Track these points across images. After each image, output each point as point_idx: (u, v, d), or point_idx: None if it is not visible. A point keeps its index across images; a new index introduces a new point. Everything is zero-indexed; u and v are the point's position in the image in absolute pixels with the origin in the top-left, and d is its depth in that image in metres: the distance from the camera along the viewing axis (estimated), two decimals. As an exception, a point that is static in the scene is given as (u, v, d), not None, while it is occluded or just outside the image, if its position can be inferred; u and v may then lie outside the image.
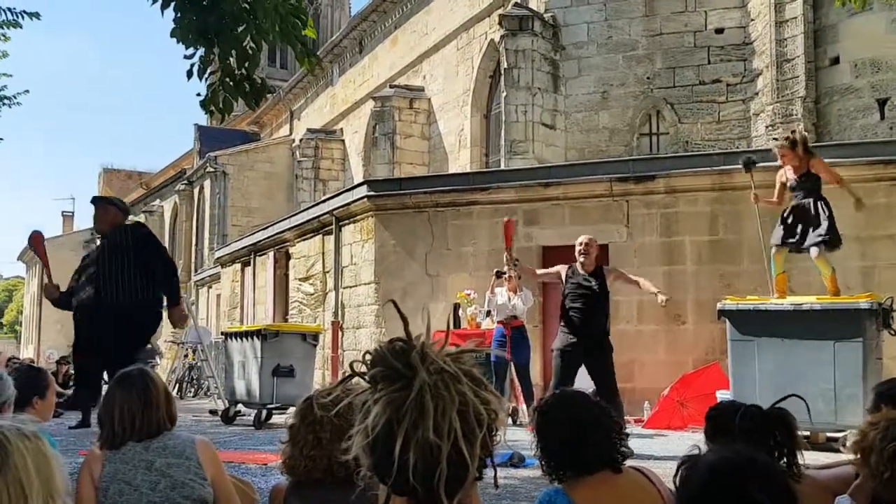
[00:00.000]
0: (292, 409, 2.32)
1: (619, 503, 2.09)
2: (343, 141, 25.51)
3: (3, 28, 10.92)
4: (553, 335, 11.10)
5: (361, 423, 1.21)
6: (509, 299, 9.20)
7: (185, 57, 4.97)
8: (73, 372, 13.92)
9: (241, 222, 26.47)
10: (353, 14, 34.23)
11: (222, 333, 12.90)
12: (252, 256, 17.66)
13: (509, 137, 14.67)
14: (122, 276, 6.34)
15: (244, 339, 10.13)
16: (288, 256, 15.84)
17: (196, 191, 29.82)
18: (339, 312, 13.25)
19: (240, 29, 4.84)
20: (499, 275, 9.42)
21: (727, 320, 7.36)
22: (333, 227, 13.49)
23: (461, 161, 18.59)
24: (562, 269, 7.33)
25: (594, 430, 2.11)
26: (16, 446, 1.44)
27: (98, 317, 6.34)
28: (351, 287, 13.00)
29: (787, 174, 7.28)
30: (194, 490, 2.53)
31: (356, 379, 1.28)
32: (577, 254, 7.15)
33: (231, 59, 4.98)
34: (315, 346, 10.19)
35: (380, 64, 23.00)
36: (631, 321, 10.69)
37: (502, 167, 14.46)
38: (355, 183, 16.15)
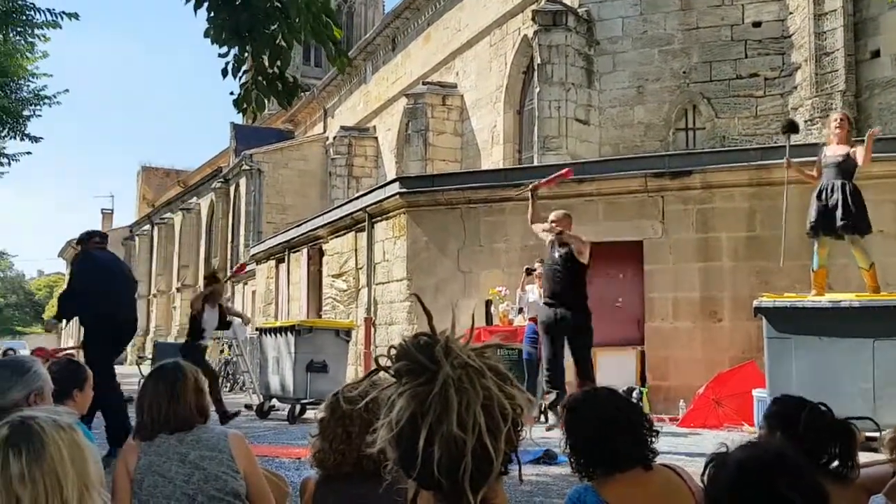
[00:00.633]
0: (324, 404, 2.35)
1: (650, 501, 2.07)
2: (376, 138, 25.60)
3: (42, 29, 11.16)
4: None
5: (386, 416, 1.22)
6: (540, 296, 9.15)
7: (220, 56, 5.03)
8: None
9: (275, 219, 26.72)
10: (386, 12, 34.29)
11: (257, 329, 13.05)
12: (286, 253, 17.82)
13: (542, 133, 14.60)
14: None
15: (278, 334, 10.24)
16: (321, 253, 15.96)
17: (232, 188, 30.17)
18: (372, 309, 13.31)
19: (272, 28, 4.89)
20: (529, 272, 9.37)
21: (763, 318, 7.26)
22: (366, 223, 13.56)
23: (494, 157, 18.54)
24: (546, 237, 7.28)
25: (624, 428, 2.10)
26: (52, 437, 1.48)
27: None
28: (383, 283, 13.05)
29: (827, 152, 7.18)
30: (227, 483, 2.56)
31: (384, 373, 1.29)
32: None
33: (264, 57, 5.02)
34: (348, 342, 10.27)
35: (413, 61, 23.03)
36: (666, 318, 10.60)
37: (535, 163, 14.40)
38: (388, 180, 16.20)
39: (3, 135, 13.44)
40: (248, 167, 27.84)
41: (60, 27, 11.09)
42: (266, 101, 5.33)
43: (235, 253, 28.78)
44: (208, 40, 5.01)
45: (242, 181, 28.48)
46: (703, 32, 14.48)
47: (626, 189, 11.00)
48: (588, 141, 14.84)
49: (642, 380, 10.50)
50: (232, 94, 5.29)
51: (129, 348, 38.95)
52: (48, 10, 10.86)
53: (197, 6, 4.83)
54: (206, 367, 8.76)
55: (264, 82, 5.23)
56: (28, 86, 13.55)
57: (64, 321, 7.28)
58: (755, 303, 7.40)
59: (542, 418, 9.24)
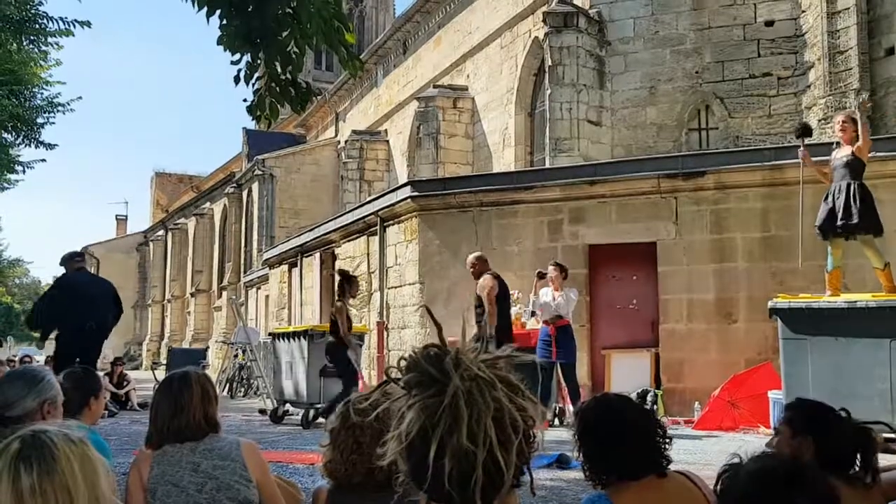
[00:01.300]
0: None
1: (664, 508, 2.05)
2: (388, 142, 25.64)
3: (55, 37, 11.25)
4: (601, 335, 11.06)
5: (396, 428, 1.21)
6: (553, 298, 9.14)
7: (232, 62, 5.04)
8: (126, 372, 14.25)
9: (288, 224, 26.81)
10: (397, 15, 34.36)
11: (270, 334, 13.09)
12: (299, 257, 17.87)
13: (554, 135, 14.56)
14: None
15: (291, 339, 10.27)
16: (334, 257, 15.98)
17: (245, 193, 30.30)
18: (385, 313, 13.32)
19: (284, 34, 4.89)
20: (541, 276, 9.36)
21: (779, 319, 7.21)
22: (378, 227, 13.57)
23: (506, 160, 18.52)
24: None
25: (637, 435, 2.08)
26: (63, 451, 1.48)
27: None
28: (396, 287, 13.06)
29: (836, 154, 7.17)
30: (240, 492, 2.56)
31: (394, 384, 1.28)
32: None
33: (276, 64, 5.03)
34: (361, 346, 10.28)
35: (423, 64, 23.06)
36: (681, 320, 10.55)
37: (547, 165, 14.36)
38: (400, 183, 16.21)
39: (17, 142, 13.57)
40: (260, 172, 27.96)
41: (73, 35, 11.20)
42: (280, 108, 5.35)
43: (249, 258, 28.89)
44: (221, 47, 5.03)
45: (255, 186, 28.60)
46: (715, 32, 14.41)
47: (639, 190, 10.95)
48: (600, 142, 14.79)
49: (657, 382, 10.44)
50: (245, 101, 5.30)
51: (143, 353, 39.19)
52: (61, 18, 10.96)
53: (209, 13, 4.84)
54: (350, 368, 8.92)
55: (277, 89, 5.23)
56: (42, 93, 13.70)
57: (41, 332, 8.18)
58: (770, 304, 7.34)
59: (556, 421, 9.22)
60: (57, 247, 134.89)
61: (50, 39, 11.67)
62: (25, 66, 12.77)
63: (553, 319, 9.03)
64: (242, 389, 16.96)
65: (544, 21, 15.12)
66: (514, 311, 10.31)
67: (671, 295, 10.65)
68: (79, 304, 7.38)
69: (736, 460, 1.55)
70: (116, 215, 51.45)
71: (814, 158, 7.82)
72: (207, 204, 35.56)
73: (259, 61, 5.13)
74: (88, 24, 10.96)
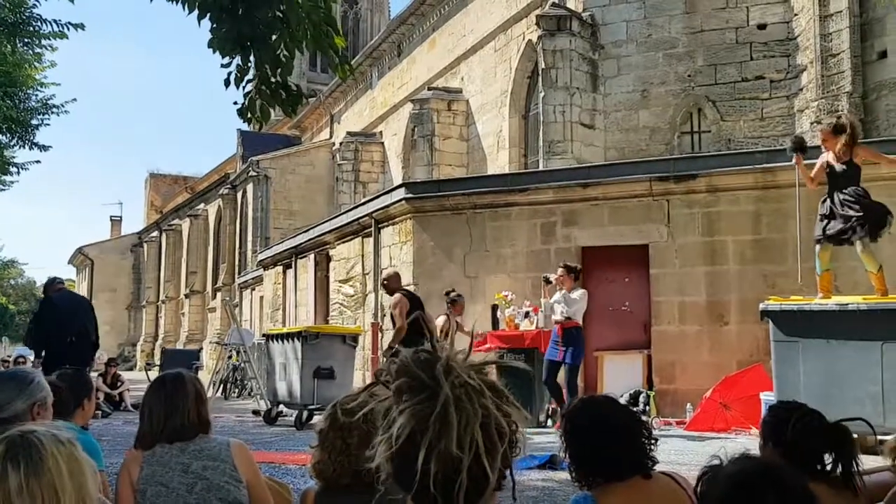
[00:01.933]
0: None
1: (649, 509, 2.07)
2: (382, 143, 25.65)
3: (49, 39, 11.25)
4: (593, 336, 11.08)
5: (385, 432, 1.22)
6: (562, 298, 9.11)
7: (223, 65, 5.05)
8: (120, 373, 14.23)
9: (282, 225, 26.80)
10: (392, 17, 34.38)
11: (264, 335, 13.08)
12: (293, 259, 17.86)
13: (548, 138, 14.60)
14: None
15: (285, 340, 10.26)
16: (328, 259, 15.99)
17: (239, 195, 30.27)
18: (379, 314, 13.32)
19: (273, 37, 4.90)
20: (547, 281, 9.39)
21: (770, 321, 7.23)
22: (373, 229, 13.58)
23: (500, 162, 18.56)
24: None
25: (622, 436, 2.10)
26: (50, 451, 1.49)
27: None
28: (390, 289, 13.05)
29: (830, 160, 7.11)
30: (230, 493, 2.57)
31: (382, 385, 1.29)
32: None
33: (266, 67, 5.04)
34: (355, 347, 10.29)
35: (418, 67, 23.08)
36: (673, 322, 10.59)
37: (541, 168, 14.40)
38: (394, 185, 16.22)
39: (12, 144, 13.55)
40: (255, 173, 27.94)
41: (67, 37, 11.20)
42: (271, 110, 5.35)
43: (243, 259, 28.86)
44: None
45: (250, 187, 28.58)
46: (707, 35, 14.46)
47: (632, 193, 10.99)
48: (593, 145, 14.83)
49: (649, 383, 10.48)
50: (236, 103, 5.31)
51: (137, 354, 39.10)
52: (55, 20, 10.97)
53: (200, 16, 4.85)
54: None
55: (268, 91, 5.24)
56: (36, 95, 13.69)
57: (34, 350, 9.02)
58: (761, 306, 7.37)
59: (549, 422, 9.25)
60: (52, 248, 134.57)
61: (44, 42, 11.69)
62: (20, 68, 12.77)
63: (563, 320, 8.96)
64: (236, 390, 16.94)
65: (538, 24, 15.16)
66: (507, 312, 10.35)
67: (663, 297, 10.69)
68: (62, 320, 8.39)
69: (716, 462, 1.56)
70: (111, 216, 51.31)
71: (804, 162, 7.84)
72: (202, 205, 35.49)
73: (249, 64, 5.13)
74: (82, 26, 10.97)
